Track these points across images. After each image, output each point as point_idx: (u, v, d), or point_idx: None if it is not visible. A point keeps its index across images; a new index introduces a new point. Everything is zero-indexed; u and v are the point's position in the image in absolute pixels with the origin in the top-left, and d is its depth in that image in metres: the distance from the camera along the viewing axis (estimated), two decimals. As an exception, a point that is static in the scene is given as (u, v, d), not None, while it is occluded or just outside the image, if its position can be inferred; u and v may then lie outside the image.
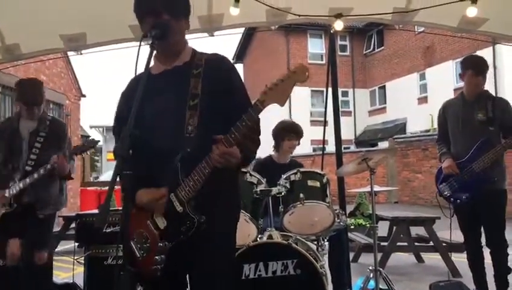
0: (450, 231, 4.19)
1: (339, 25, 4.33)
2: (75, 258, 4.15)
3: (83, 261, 4.03)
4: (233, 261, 2.17)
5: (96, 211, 5.16)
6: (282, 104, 1.86)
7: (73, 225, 6.89)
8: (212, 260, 1.96)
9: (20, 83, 3.76)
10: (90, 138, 3.51)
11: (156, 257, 1.93)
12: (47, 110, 13.11)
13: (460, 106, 4.02)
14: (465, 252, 4.14)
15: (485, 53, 16.65)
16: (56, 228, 6.44)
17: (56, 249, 5.54)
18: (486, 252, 3.94)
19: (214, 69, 2.04)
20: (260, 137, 2.09)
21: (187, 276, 2.08)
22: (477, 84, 3.91)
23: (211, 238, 1.94)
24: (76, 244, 4.37)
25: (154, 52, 1.90)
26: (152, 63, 2.08)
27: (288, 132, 4.20)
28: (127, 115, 1.79)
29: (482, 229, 3.96)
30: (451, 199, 4.00)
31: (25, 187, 3.45)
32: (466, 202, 3.89)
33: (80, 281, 4.21)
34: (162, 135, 1.95)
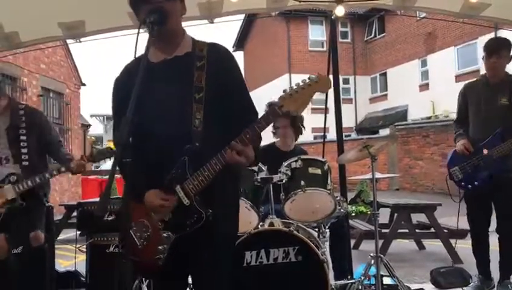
0: (457, 216, 4.10)
1: (340, 11, 4.29)
2: (77, 246, 4.17)
3: (84, 250, 4.05)
4: (233, 253, 2.18)
5: (97, 199, 5.17)
6: (299, 113, 1.88)
7: (74, 214, 6.91)
8: (217, 253, 1.97)
9: None
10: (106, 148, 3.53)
11: (159, 247, 1.92)
12: (35, 99, 12.92)
13: (483, 89, 3.89)
14: (466, 238, 4.12)
15: (487, 39, 16.59)
16: (58, 217, 6.46)
17: (58, 238, 5.56)
18: (492, 239, 3.92)
19: (217, 62, 2.02)
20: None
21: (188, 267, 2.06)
22: (493, 66, 3.79)
23: (216, 231, 1.94)
24: (78, 232, 4.39)
25: (152, 38, 1.87)
26: (151, 49, 2.05)
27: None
28: (125, 102, 1.75)
29: (492, 216, 3.90)
30: (462, 183, 3.88)
31: (33, 185, 3.45)
32: (478, 188, 3.79)
33: (82, 269, 4.23)
34: (167, 126, 1.92)
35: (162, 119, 1.94)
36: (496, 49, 3.79)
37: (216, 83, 1.98)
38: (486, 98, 3.83)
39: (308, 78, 1.85)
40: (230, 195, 2.08)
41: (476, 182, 3.80)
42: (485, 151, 3.74)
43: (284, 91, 1.85)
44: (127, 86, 1.92)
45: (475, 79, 4.14)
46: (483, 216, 3.90)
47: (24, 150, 3.52)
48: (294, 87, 1.84)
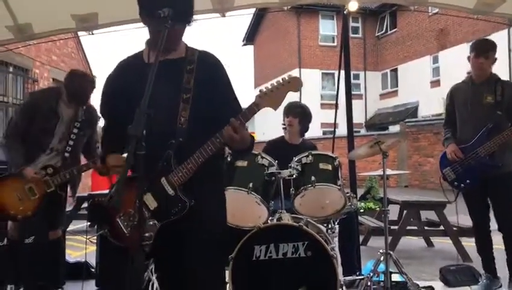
0: (456, 215, 4.21)
1: (353, 6, 4.27)
2: (87, 237, 4.20)
3: (95, 241, 4.08)
4: (224, 236, 2.27)
5: (107, 191, 5.19)
6: (275, 109, 2.10)
7: (84, 205, 6.95)
8: (203, 237, 2.07)
9: (76, 75, 3.76)
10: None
11: (146, 235, 2.05)
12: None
13: (469, 89, 3.98)
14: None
15: (500, 36, 16.41)
16: (68, 208, 6.52)
17: (68, 229, 5.61)
18: (495, 237, 3.92)
19: (206, 67, 2.19)
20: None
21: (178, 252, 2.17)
22: (480, 67, 3.87)
23: (200, 218, 2.07)
24: (88, 223, 4.42)
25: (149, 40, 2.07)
26: (146, 50, 2.19)
27: (285, 109, 4.20)
28: (116, 97, 2.12)
29: (491, 213, 3.93)
30: (455, 183, 3.97)
31: (71, 176, 3.51)
32: (470, 187, 3.87)
33: (91, 260, 4.26)
34: (156, 123, 1.97)
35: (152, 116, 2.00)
36: (484, 50, 3.87)
37: (203, 85, 2.13)
38: (472, 98, 3.92)
39: (282, 79, 2.08)
40: (213, 186, 2.21)
41: (467, 180, 3.89)
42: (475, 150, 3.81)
43: (260, 90, 2.08)
44: (119, 81, 2.19)
45: (461, 81, 4.21)
46: (482, 210, 3.93)
47: (71, 143, 3.61)
48: (270, 87, 2.07)
